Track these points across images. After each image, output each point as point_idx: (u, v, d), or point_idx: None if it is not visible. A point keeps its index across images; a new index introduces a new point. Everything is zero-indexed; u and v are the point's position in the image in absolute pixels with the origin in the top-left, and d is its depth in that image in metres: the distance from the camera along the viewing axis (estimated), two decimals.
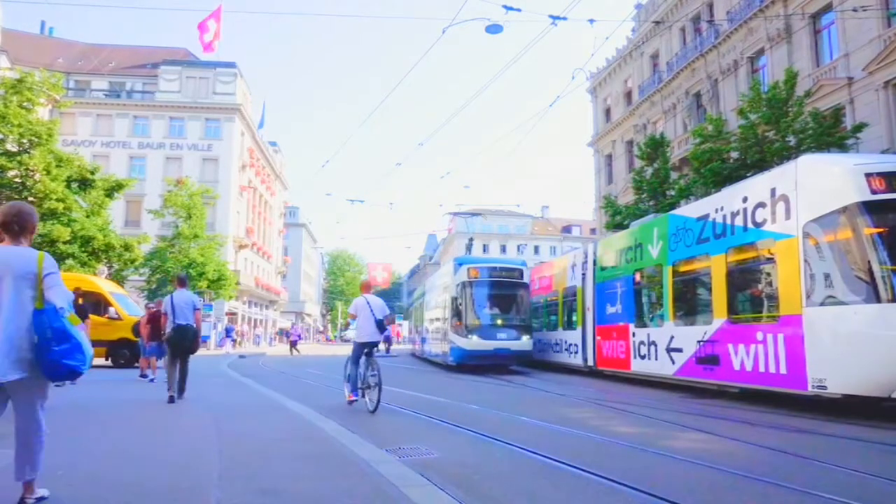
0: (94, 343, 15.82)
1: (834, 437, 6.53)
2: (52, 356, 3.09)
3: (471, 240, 37.06)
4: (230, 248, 44.21)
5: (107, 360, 16.65)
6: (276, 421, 7.04)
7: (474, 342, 16.83)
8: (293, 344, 33.78)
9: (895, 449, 5.96)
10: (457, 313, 17.58)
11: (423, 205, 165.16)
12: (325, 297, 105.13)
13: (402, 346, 45.54)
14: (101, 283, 18.53)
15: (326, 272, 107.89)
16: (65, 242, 23.14)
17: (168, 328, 8.78)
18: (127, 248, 25.86)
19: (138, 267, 28.94)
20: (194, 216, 34.34)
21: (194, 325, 8.76)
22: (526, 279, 18.05)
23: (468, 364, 16.92)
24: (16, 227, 3.31)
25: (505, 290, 18.03)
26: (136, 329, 14.34)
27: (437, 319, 21.02)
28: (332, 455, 4.91)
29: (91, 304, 14.90)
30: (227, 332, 35.17)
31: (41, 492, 3.32)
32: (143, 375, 13.14)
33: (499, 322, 17.44)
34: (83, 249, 24.21)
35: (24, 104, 23.77)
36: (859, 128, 16.05)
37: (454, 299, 17.74)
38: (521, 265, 18.55)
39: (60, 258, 23.33)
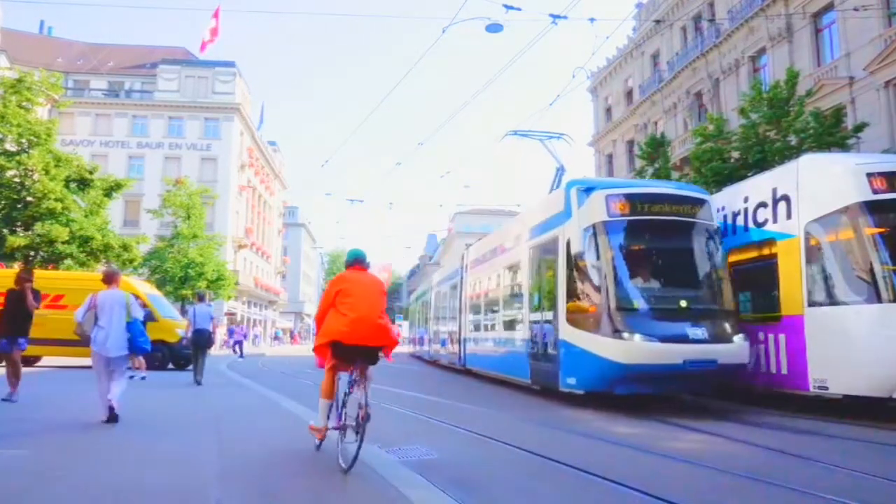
0: None
1: (835, 437, 6.50)
2: (137, 343, 6.59)
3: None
4: (229, 248, 44.16)
5: None
6: (276, 421, 7.01)
7: (637, 348, 8.17)
8: (237, 345, 27.96)
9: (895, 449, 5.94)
10: (585, 288, 9.03)
11: (423, 205, 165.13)
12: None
13: (402, 348, 45.58)
14: (137, 284, 18.29)
15: (326, 272, 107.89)
16: (63, 242, 23.06)
17: (190, 331, 12.11)
18: (125, 248, 25.79)
19: (137, 267, 28.87)
20: (193, 216, 34.29)
21: (209, 329, 12.13)
22: (714, 221, 9.55)
23: (614, 390, 8.53)
24: (111, 280, 6.76)
25: (682, 241, 9.34)
26: None
27: (494, 309, 13.86)
28: (332, 456, 4.87)
29: None
30: (230, 333, 33.65)
31: (117, 406, 6.31)
32: (131, 376, 12.63)
33: (682, 305, 8.74)
34: (81, 249, 24.14)
35: (23, 104, 23.70)
36: (860, 128, 16.02)
37: (573, 261, 9.20)
38: (702, 194, 10.06)
39: (59, 258, 23.31)
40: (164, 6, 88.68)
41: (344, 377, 4.78)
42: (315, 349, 4.91)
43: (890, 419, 7.37)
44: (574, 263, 9.20)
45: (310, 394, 10.71)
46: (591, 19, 13.16)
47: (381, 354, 4.80)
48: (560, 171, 13.23)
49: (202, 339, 12.05)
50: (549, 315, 9.94)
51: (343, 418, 4.65)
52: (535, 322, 10.56)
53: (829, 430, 6.92)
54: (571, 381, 8.99)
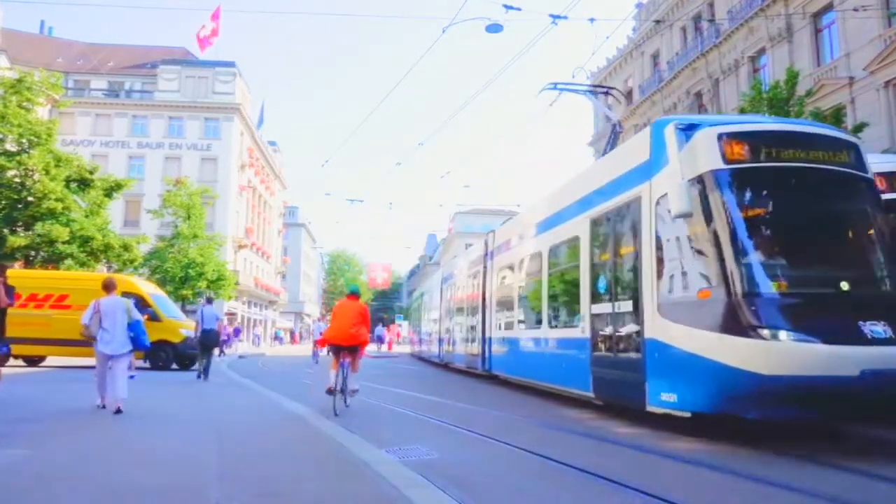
0: None
1: (835, 437, 6.49)
2: (141, 341, 7.61)
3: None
4: (229, 248, 44.15)
5: (145, 361, 16.41)
6: (276, 421, 7.01)
7: (787, 352, 5.53)
8: (222, 343, 25.70)
9: None
10: (690, 264, 6.58)
11: (423, 205, 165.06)
12: (325, 297, 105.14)
13: (400, 348, 45.56)
14: (140, 284, 18.28)
15: (326, 272, 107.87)
16: (63, 242, 23.05)
17: (199, 331, 13.34)
18: (126, 248, 25.79)
19: (137, 267, 28.86)
20: (193, 216, 34.27)
21: (216, 330, 13.64)
22: (870, 173, 7.00)
23: (745, 413, 5.80)
24: (111, 289, 7.67)
25: (832, 198, 6.72)
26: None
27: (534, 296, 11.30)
28: (332, 456, 4.88)
29: None
30: (237, 332, 33.30)
31: (123, 406, 7.18)
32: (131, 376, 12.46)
33: (843, 288, 6.04)
34: (82, 249, 24.13)
35: (24, 104, 23.69)
36: (860, 128, 16.03)
37: (666, 229, 6.86)
38: (846, 136, 7.56)
39: (59, 258, 23.29)
40: (164, 6, 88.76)
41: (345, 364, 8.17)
42: (321, 344, 17.59)
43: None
44: (668, 232, 6.70)
45: (310, 394, 10.72)
46: (591, 19, 13.20)
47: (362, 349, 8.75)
48: (616, 128, 11.75)
49: (210, 339, 13.32)
50: (625, 305, 7.44)
51: (337, 384, 8.03)
52: (602, 315, 8.04)
53: (827, 430, 6.73)
54: (668, 397, 6.33)
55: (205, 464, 4.54)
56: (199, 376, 12.93)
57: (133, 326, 7.42)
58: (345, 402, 8.13)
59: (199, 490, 3.79)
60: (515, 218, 14.39)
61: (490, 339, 13.85)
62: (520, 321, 12.12)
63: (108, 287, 7.62)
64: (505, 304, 13.07)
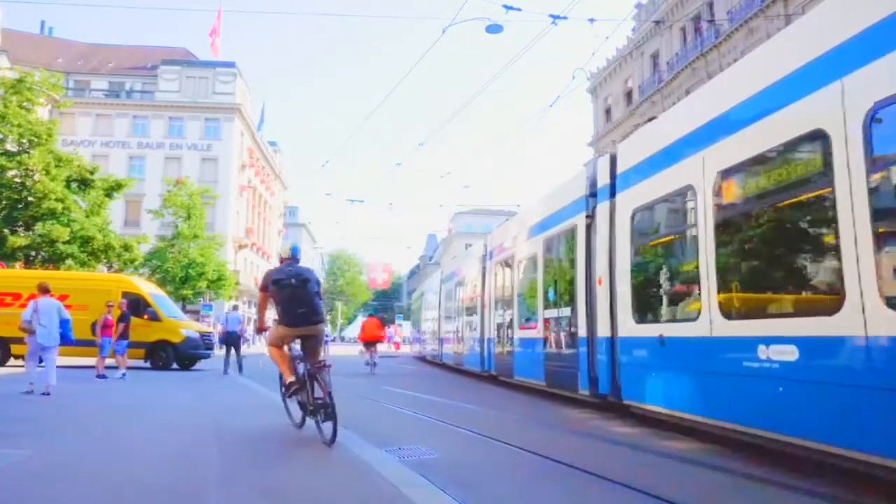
0: (133, 344, 15.65)
1: None
2: (68, 336, 9.01)
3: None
4: (230, 248, 44.17)
5: (145, 361, 16.40)
6: (276, 421, 7.01)
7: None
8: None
9: None
10: None
11: (423, 205, 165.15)
12: (325, 297, 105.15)
13: (403, 348, 45.51)
14: (141, 284, 18.27)
15: (326, 272, 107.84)
16: (64, 242, 23.07)
17: (224, 333, 15.87)
18: (126, 248, 25.81)
19: (138, 267, 28.90)
20: (194, 216, 34.31)
21: (238, 331, 15.48)
22: None
23: None
24: (47, 291, 9.07)
25: None
26: (94, 327, 13.17)
27: None
28: (332, 455, 4.88)
29: (131, 304, 15.32)
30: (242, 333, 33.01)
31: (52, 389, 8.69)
32: (101, 376, 12.21)
33: None
34: (82, 249, 24.15)
35: (24, 104, 23.72)
36: None
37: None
38: None
39: (59, 258, 23.30)
40: (164, 6, 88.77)
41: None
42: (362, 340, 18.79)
43: None
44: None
45: None
46: (591, 20, 13.15)
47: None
48: None
49: (233, 339, 15.35)
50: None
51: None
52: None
53: None
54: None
55: (205, 463, 4.55)
56: (225, 371, 14.76)
57: (63, 324, 8.90)
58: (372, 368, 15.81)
59: (200, 490, 3.79)
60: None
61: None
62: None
63: (43, 289, 9.10)
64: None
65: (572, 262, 8.87)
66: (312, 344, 5.76)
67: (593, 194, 8.25)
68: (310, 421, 5.77)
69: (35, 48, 45.33)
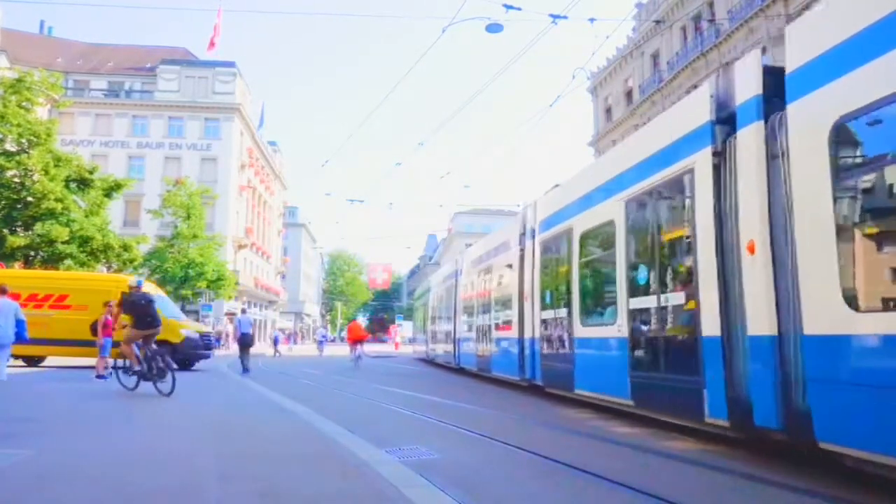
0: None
1: None
2: (23, 336, 9.31)
3: None
4: (229, 248, 44.15)
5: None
6: (275, 421, 7.00)
7: None
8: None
9: None
10: None
11: (423, 205, 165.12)
12: (325, 297, 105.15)
13: (404, 349, 45.46)
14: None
15: (326, 272, 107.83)
16: (63, 242, 23.07)
17: (237, 335, 17.32)
18: (126, 248, 25.81)
19: (137, 267, 28.90)
20: (193, 216, 34.29)
21: (250, 333, 17.29)
22: None
23: None
24: (4, 292, 9.24)
25: None
26: (94, 327, 12.94)
27: None
28: (332, 456, 4.88)
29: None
30: (275, 341, 31.77)
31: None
32: (101, 376, 12.02)
33: None
34: (82, 249, 24.15)
35: (23, 104, 23.72)
36: None
37: None
38: None
39: (59, 258, 23.30)
40: (165, 6, 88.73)
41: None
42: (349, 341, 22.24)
43: None
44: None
45: (310, 394, 10.73)
46: (591, 19, 13.16)
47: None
48: None
49: (246, 341, 17.06)
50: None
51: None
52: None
53: None
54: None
55: (205, 463, 4.54)
56: (244, 371, 16.00)
57: (18, 325, 9.38)
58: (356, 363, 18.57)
59: (200, 490, 3.78)
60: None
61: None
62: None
63: (1, 290, 9.57)
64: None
65: (692, 221, 6.01)
66: (151, 337, 9.70)
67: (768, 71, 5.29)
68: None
69: (34, 48, 45.29)
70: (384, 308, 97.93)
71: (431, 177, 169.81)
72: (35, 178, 23.39)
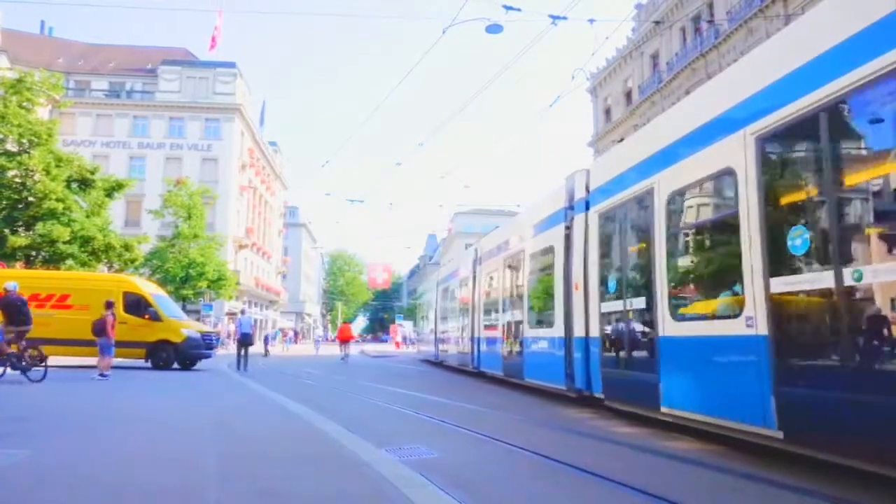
0: (134, 344, 15.46)
1: None
2: None
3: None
4: (230, 248, 44.17)
5: (146, 361, 16.38)
6: (276, 421, 7.01)
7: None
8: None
9: None
10: None
11: (423, 205, 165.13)
12: (325, 297, 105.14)
13: (404, 349, 45.44)
14: (141, 284, 18.24)
15: (326, 272, 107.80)
16: (64, 242, 23.07)
17: (238, 335, 18.22)
18: (127, 248, 25.81)
19: (138, 267, 28.90)
20: (194, 216, 34.30)
21: (251, 333, 18.14)
22: None
23: None
24: None
25: None
26: (97, 327, 12.49)
27: None
28: (332, 455, 4.88)
29: (132, 304, 16.53)
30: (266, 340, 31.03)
31: None
32: (104, 375, 11.89)
33: None
34: (83, 249, 24.15)
35: (24, 104, 23.71)
36: None
37: None
38: None
39: (60, 258, 23.31)
40: (164, 6, 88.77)
41: None
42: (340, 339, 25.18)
43: None
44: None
45: (311, 394, 10.73)
46: (591, 20, 13.13)
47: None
48: None
49: (246, 340, 17.76)
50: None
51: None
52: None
53: None
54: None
55: (204, 463, 4.54)
56: (238, 368, 16.88)
57: None
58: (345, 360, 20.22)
59: (200, 490, 3.79)
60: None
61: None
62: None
63: None
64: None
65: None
66: (24, 333, 10.96)
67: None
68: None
69: (35, 48, 45.32)
70: (384, 308, 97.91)
71: (431, 177, 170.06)
72: (36, 178, 23.40)
